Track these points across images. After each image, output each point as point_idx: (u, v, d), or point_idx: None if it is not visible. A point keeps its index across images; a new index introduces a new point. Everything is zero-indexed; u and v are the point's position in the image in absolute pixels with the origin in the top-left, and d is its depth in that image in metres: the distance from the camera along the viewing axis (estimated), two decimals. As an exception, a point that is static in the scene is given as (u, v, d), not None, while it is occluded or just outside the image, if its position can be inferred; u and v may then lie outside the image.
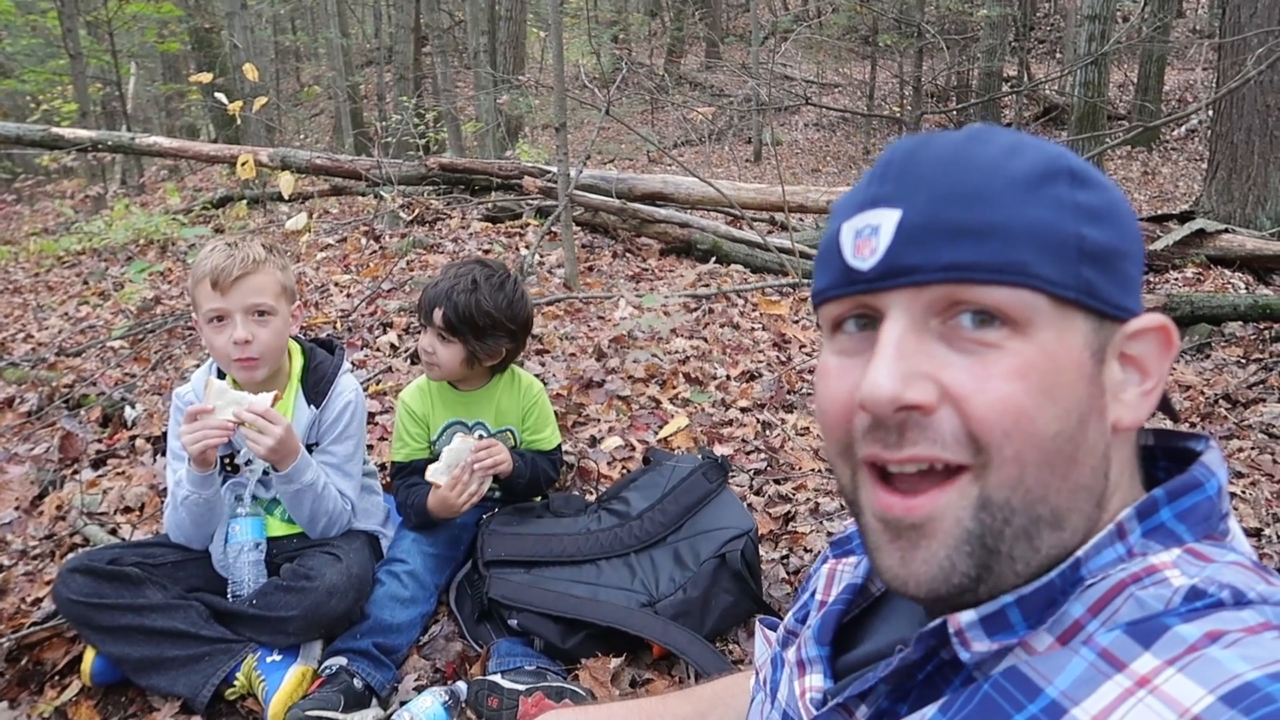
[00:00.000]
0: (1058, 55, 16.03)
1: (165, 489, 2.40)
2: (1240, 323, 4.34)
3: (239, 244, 2.00)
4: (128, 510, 2.72)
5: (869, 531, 0.64)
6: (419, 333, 2.37)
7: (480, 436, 2.33)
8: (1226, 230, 5.63)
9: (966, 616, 0.60)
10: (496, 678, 1.93)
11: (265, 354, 2.00)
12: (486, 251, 5.49)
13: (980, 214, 0.58)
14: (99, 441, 3.15)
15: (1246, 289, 5.17)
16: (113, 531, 2.58)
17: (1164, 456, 0.69)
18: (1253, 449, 3.22)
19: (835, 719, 0.70)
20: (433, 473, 2.13)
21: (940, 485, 0.59)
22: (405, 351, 3.73)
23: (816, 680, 0.76)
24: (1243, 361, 4.01)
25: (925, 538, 0.60)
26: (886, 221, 0.60)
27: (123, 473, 2.92)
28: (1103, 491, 0.62)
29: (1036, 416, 0.57)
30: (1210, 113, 7.78)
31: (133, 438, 3.15)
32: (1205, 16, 14.97)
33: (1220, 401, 3.57)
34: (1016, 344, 0.58)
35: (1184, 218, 5.72)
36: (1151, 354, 0.63)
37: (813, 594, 0.88)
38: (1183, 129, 12.88)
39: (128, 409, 3.33)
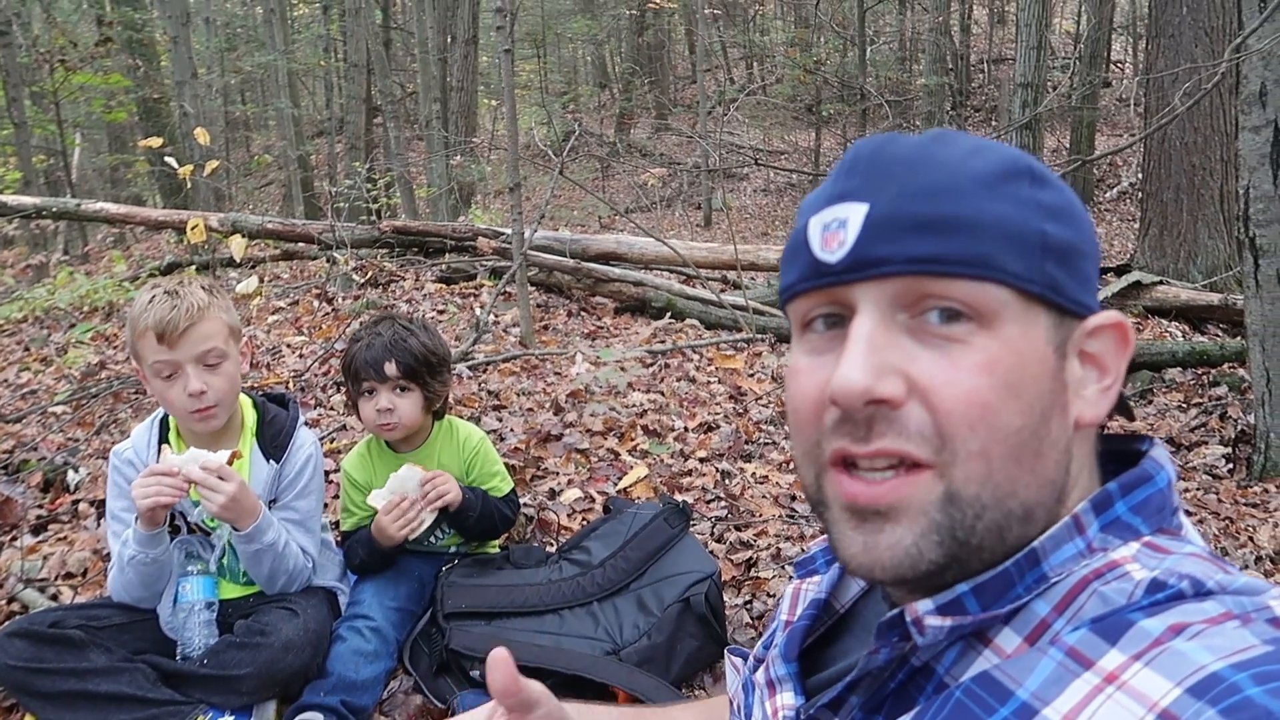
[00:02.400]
0: (993, 122, 16.65)
1: (108, 554, 2.32)
2: (1180, 369, 4.48)
3: (180, 291, 1.91)
4: (69, 576, 2.62)
5: (834, 524, 0.64)
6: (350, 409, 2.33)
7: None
8: (1161, 282, 5.83)
9: (924, 605, 0.61)
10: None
11: (222, 400, 1.95)
12: (441, 312, 5.48)
13: (947, 208, 0.59)
14: (40, 507, 3.04)
15: (1184, 337, 5.34)
16: (53, 597, 2.48)
17: (1111, 460, 0.70)
18: (1198, 489, 3.30)
19: None
20: (373, 497, 2.11)
21: (906, 474, 0.60)
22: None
23: (788, 698, 0.75)
24: (1184, 406, 4.12)
25: (890, 522, 0.60)
26: (854, 215, 0.61)
27: (64, 538, 2.82)
28: (1064, 486, 0.63)
29: (1001, 410, 0.58)
30: (1140, 175, 8.11)
31: (75, 502, 3.05)
32: (1130, 85, 15.70)
33: (1164, 445, 3.66)
34: (983, 339, 0.59)
35: (1120, 271, 5.92)
36: (1109, 351, 0.65)
37: (779, 620, 0.88)
38: (1114, 190, 13.39)
39: (70, 473, 3.23)
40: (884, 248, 0.60)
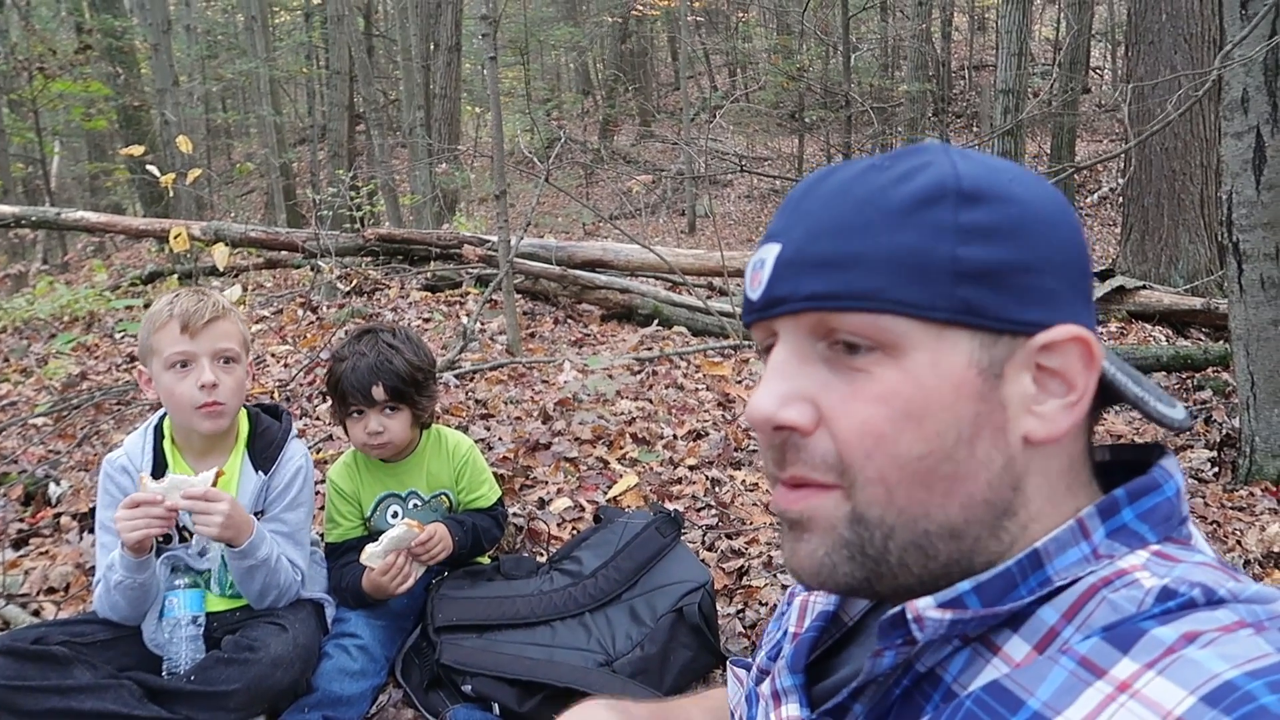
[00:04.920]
0: (975, 128, 16.77)
1: (92, 567, 2.28)
2: (1164, 373, 4.51)
3: (205, 291, 2.00)
4: (51, 591, 2.58)
5: (781, 532, 0.68)
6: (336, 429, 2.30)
7: (415, 505, 2.28)
8: (1144, 287, 5.88)
9: (924, 602, 0.60)
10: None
11: (230, 401, 1.96)
12: (427, 320, 5.46)
13: (844, 245, 0.61)
14: (21, 520, 3.00)
15: (1167, 341, 5.38)
16: (35, 613, 2.44)
17: (1122, 469, 0.69)
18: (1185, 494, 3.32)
19: None
20: (368, 556, 2.05)
21: (815, 489, 0.63)
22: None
23: (793, 710, 0.74)
24: (1169, 410, 4.15)
25: (806, 532, 0.64)
26: (769, 255, 0.65)
27: (46, 552, 2.78)
28: (1010, 502, 0.62)
29: (897, 439, 0.60)
30: (1121, 180, 8.19)
31: (57, 515, 3.01)
32: (1109, 92, 15.86)
33: (1174, 455, 3.68)
34: (884, 369, 0.60)
35: (1103, 276, 5.96)
36: (1073, 366, 0.63)
37: (785, 631, 0.87)
38: (1095, 195, 13.51)
39: (52, 486, 3.18)
40: (786, 287, 0.63)
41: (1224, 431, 3.73)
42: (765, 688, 0.82)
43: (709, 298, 5.85)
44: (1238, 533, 2.99)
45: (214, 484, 1.86)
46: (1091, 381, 0.63)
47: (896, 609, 0.61)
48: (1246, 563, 2.80)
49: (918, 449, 0.59)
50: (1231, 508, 3.21)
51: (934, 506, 0.60)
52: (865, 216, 0.61)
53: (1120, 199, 8.39)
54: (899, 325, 0.59)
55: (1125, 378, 0.66)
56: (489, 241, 6.34)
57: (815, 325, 0.62)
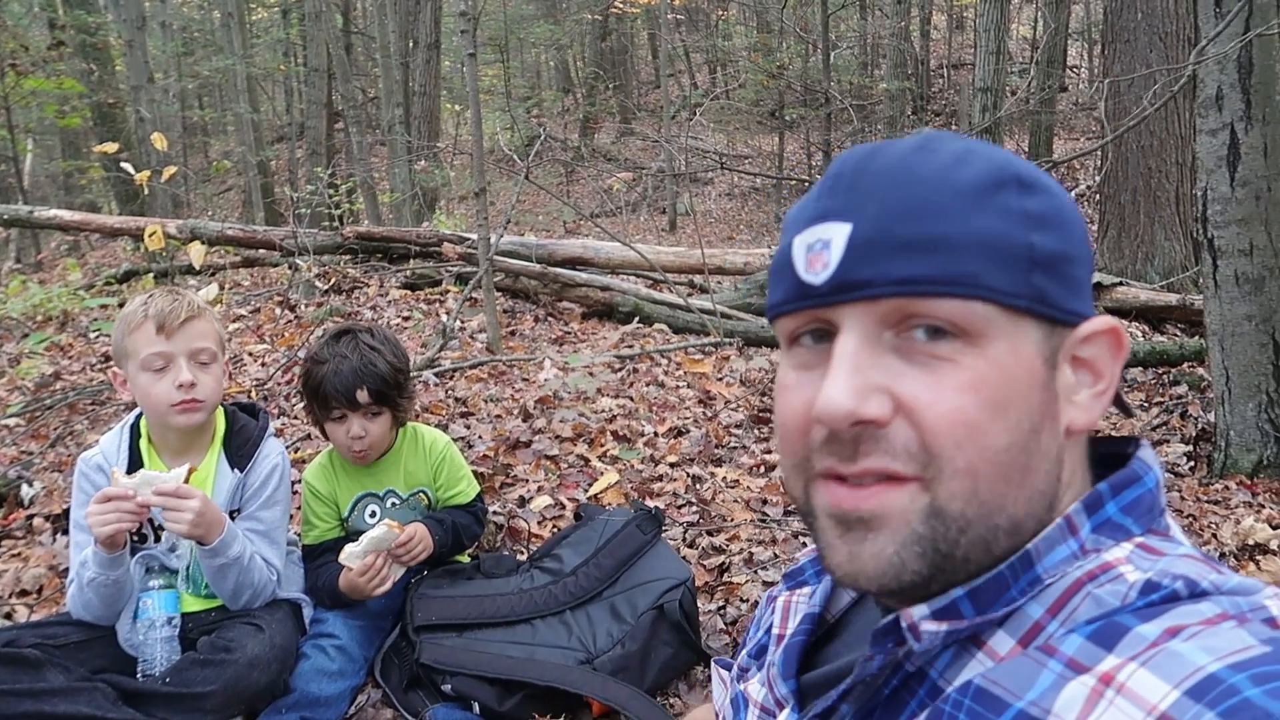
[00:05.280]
0: (954, 126, 16.87)
1: (66, 569, 2.25)
2: (1140, 368, 4.54)
3: (179, 292, 1.99)
4: (24, 593, 2.54)
5: (821, 532, 0.64)
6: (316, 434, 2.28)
7: (393, 504, 2.26)
8: (1121, 283, 5.92)
9: (919, 611, 0.60)
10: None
11: (207, 399, 1.95)
12: (406, 318, 5.42)
13: (930, 227, 0.58)
14: (-8, 522, 2.95)
15: (1144, 337, 5.43)
16: (7, 615, 2.40)
17: (1099, 462, 0.69)
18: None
19: None
20: (347, 556, 2.02)
21: (889, 484, 0.60)
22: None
23: (784, 716, 0.74)
24: (1145, 405, 4.18)
25: (873, 531, 0.60)
26: (837, 236, 0.61)
27: (19, 554, 2.74)
28: (1056, 494, 0.62)
29: (989, 429, 0.58)
30: (1098, 177, 8.25)
31: (30, 517, 2.97)
32: (1087, 90, 15.98)
33: (1150, 446, 3.71)
34: (969, 357, 0.58)
35: (1080, 272, 6.00)
36: (1103, 356, 0.64)
37: (768, 629, 0.87)
38: (1073, 193, 13.61)
39: (24, 487, 3.14)
40: (868, 270, 0.59)
41: (1199, 426, 3.76)
42: (754, 690, 0.81)
43: (690, 295, 5.85)
44: (1213, 526, 3.02)
45: (186, 481, 1.84)
46: (1117, 371, 0.64)
47: (890, 617, 0.61)
48: (1222, 555, 2.83)
49: (1004, 439, 0.58)
50: (1207, 501, 3.24)
51: (1009, 499, 0.59)
52: (942, 197, 0.59)
53: (1097, 196, 8.46)
54: (987, 312, 0.58)
55: None
56: (469, 239, 6.31)
57: (892, 312, 0.59)
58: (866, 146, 0.65)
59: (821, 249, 0.61)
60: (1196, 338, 4.69)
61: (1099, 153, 7.82)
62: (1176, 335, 5.53)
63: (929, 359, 0.59)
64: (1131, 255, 7.11)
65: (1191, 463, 3.58)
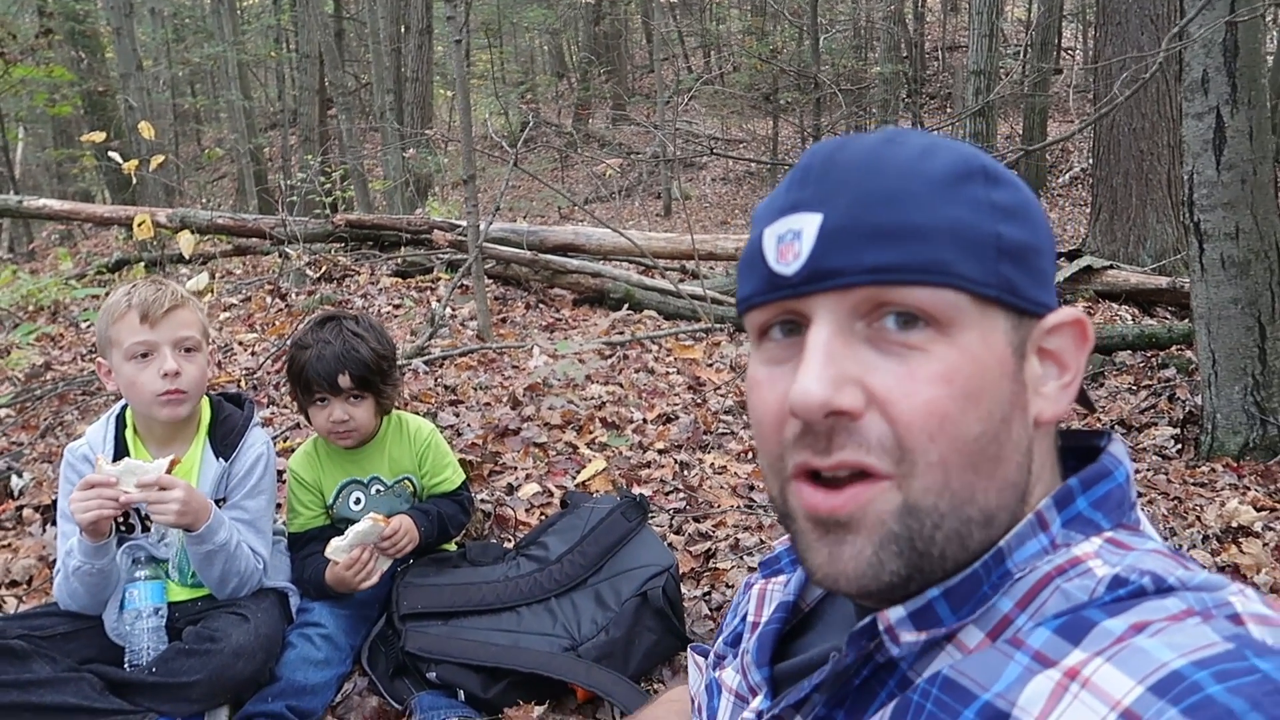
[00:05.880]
0: (948, 110, 16.82)
1: (54, 560, 2.26)
2: (1129, 352, 4.55)
3: (163, 281, 1.99)
4: (14, 584, 2.55)
5: (800, 535, 0.64)
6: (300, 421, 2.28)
7: (378, 492, 2.27)
8: (1111, 267, 5.93)
9: (895, 613, 0.60)
10: (417, 734, 1.86)
11: (192, 389, 1.95)
12: (397, 306, 5.42)
13: (901, 215, 0.58)
14: (-18, 513, 2.96)
15: (1133, 320, 5.44)
16: (-4, 607, 2.41)
17: (1069, 455, 0.70)
18: (1148, 470, 3.36)
19: None
20: (333, 550, 2.03)
21: (863, 483, 0.59)
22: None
23: (758, 702, 0.74)
24: (1134, 388, 4.19)
25: (851, 533, 0.60)
26: (808, 226, 0.60)
27: (8, 545, 2.75)
28: (1026, 486, 0.62)
29: (961, 420, 0.58)
30: (1091, 160, 8.25)
31: (19, 508, 2.97)
32: (1080, 73, 15.94)
33: (1115, 427, 3.72)
34: (941, 346, 0.58)
35: (1071, 256, 6.00)
36: (1069, 348, 0.64)
37: (744, 617, 0.87)
38: (1066, 176, 13.60)
39: (14, 478, 3.15)
40: (839, 259, 0.59)
41: (1187, 409, 3.77)
42: (728, 678, 0.82)
43: (681, 281, 5.85)
44: (1198, 508, 3.03)
45: (168, 472, 1.84)
46: (1083, 363, 0.64)
47: (867, 620, 0.62)
48: (1206, 538, 2.84)
49: (976, 429, 0.58)
50: (1193, 484, 3.25)
51: (979, 490, 0.59)
52: (913, 187, 0.59)
53: (1090, 179, 8.45)
54: (958, 301, 0.58)
55: None
56: (460, 226, 6.30)
57: (863, 301, 0.59)
58: (834, 140, 0.65)
59: (793, 239, 0.61)
60: (1186, 321, 4.70)
61: (1092, 135, 7.81)
62: (1167, 318, 5.54)
63: (901, 349, 0.59)
64: (1123, 238, 7.12)
65: (1179, 445, 3.60)
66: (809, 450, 0.60)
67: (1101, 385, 4.31)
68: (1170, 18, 6.59)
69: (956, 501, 0.59)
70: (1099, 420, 3.72)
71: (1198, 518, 2.95)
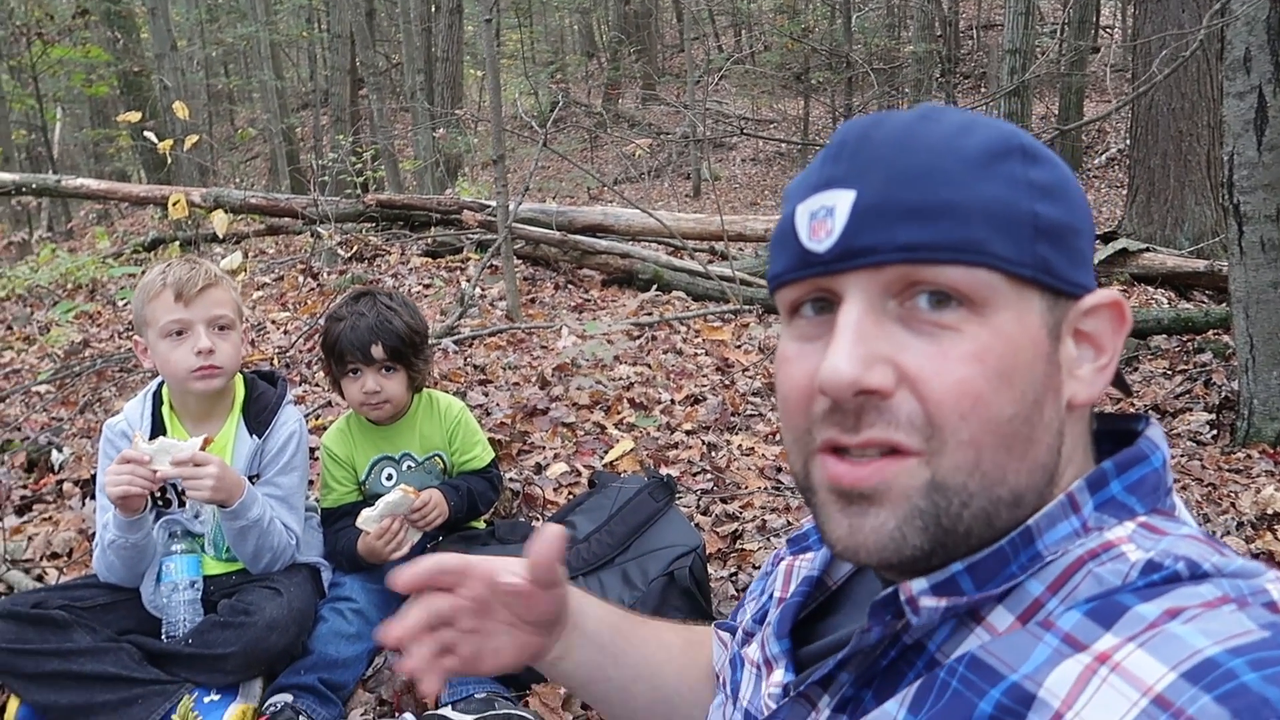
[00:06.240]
0: (982, 89, 16.57)
1: (94, 534, 2.31)
2: (1165, 336, 4.49)
3: (197, 261, 2.02)
4: (55, 556, 2.61)
5: (821, 507, 0.64)
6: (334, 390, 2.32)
7: (409, 467, 2.29)
8: (1148, 249, 5.83)
9: (918, 584, 0.60)
10: (446, 710, 1.89)
11: (225, 365, 1.99)
12: (427, 286, 5.45)
13: (936, 193, 0.58)
14: (24, 487, 3.03)
15: (1169, 304, 5.35)
16: (38, 578, 2.47)
17: (1106, 439, 0.69)
18: (1182, 456, 3.32)
19: (797, 710, 0.69)
20: (364, 520, 2.06)
21: (891, 457, 0.59)
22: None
23: (779, 675, 0.74)
24: (1169, 373, 4.14)
25: (874, 505, 0.60)
26: (841, 203, 0.60)
27: (49, 518, 2.81)
28: (1056, 467, 0.62)
29: (993, 400, 0.57)
30: (1128, 141, 8.11)
31: (60, 482, 3.04)
32: (1119, 52, 15.63)
33: (1150, 412, 3.67)
34: (974, 326, 0.58)
35: (1107, 238, 5.91)
36: (1105, 330, 0.64)
37: (770, 595, 0.87)
38: (1103, 157, 13.37)
39: (55, 453, 3.22)
40: (872, 236, 0.58)
41: (1223, 394, 3.71)
42: (752, 653, 0.82)
43: (710, 262, 5.83)
44: (1233, 495, 3.00)
45: (202, 449, 1.88)
46: (1119, 345, 0.64)
47: (889, 590, 0.61)
48: (1240, 524, 2.81)
49: (1009, 410, 0.58)
50: (1228, 470, 3.21)
51: (1010, 471, 0.59)
52: (948, 164, 0.58)
53: (1127, 160, 8.31)
54: (992, 280, 0.58)
55: None
56: (489, 206, 6.31)
57: (896, 280, 0.59)
58: (869, 117, 0.64)
59: (825, 216, 0.60)
60: (1223, 305, 4.62)
61: (1129, 116, 7.66)
62: (1204, 302, 5.45)
63: (933, 328, 0.58)
64: (1160, 220, 7.00)
65: (1214, 431, 3.55)
66: (837, 428, 0.60)
67: (1136, 369, 4.25)
68: (1213, -6, 6.44)
69: (987, 482, 0.58)
70: (1134, 405, 3.68)
71: (1232, 504, 2.91)
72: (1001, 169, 0.59)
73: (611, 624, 0.92)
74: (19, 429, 3.48)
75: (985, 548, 0.60)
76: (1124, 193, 8.07)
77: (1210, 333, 4.43)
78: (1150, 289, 5.61)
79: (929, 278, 0.58)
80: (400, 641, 0.79)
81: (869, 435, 0.59)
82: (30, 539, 2.65)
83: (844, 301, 0.60)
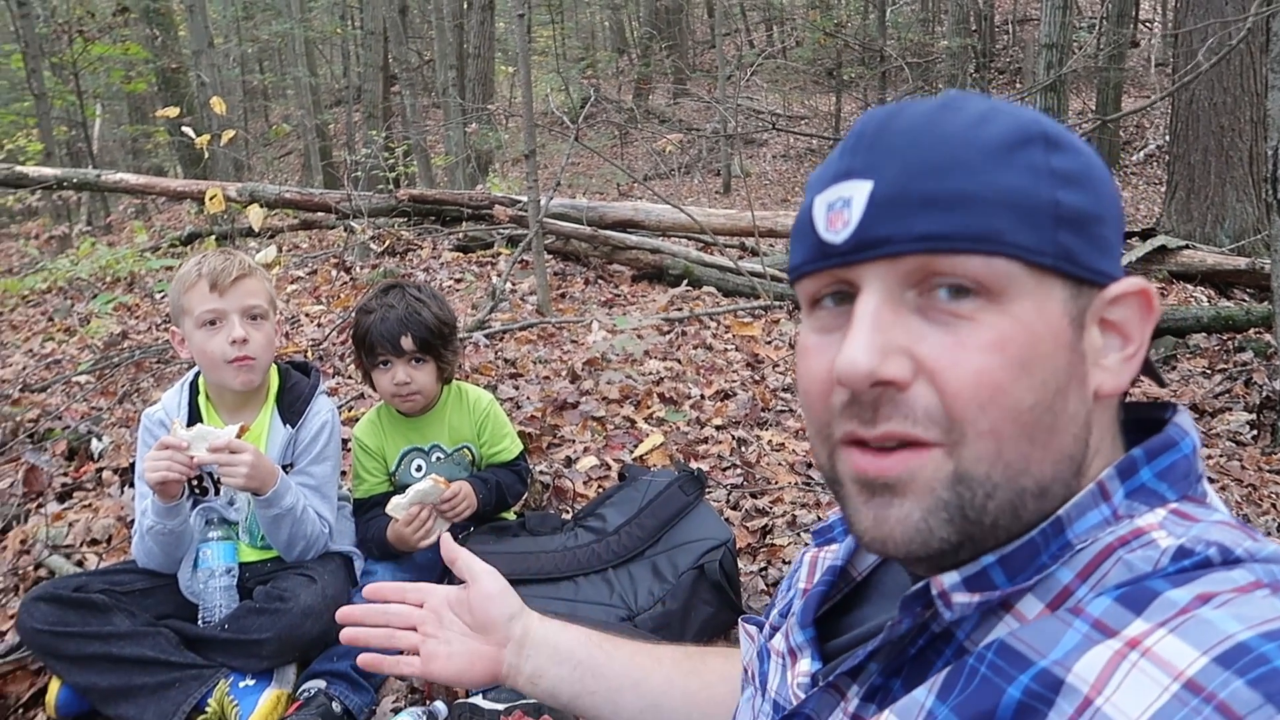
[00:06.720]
0: (1017, 85, 16.36)
1: (133, 520, 2.35)
2: (1204, 334, 4.41)
3: (232, 252, 2.06)
4: (94, 542, 2.66)
5: (847, 500, 0.64)
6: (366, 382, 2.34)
7: (438, 459, 2.31)
8: (1187, 246, 5.74)
9: (950, 578, 0.60)
10: (477, 699, 1.90)
11: (260, 356, 2.02)
12: (458, 280, 5.49)
13: (953, 183, 0.57)
14: (65, 475, 3.09)
15: (1209, 302, 5.27)
16: (79, 564, 2.52)
17: (1135, 428, 0.68)
18: (1221, 456, 3.27)
19: (826, 699, 0.69)
20: (393, 506, 2.10)
21: (912, 450, 0.59)
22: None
23: (805, 664, 0.74)
24: (1208, 372, 4.07)
25: (898, 496, 0.59)
26: (858, 193, 0.60)
27: (89, 505, 2.86)
28: (1084, 458, 0.61)
29: (1012, 390, 0.57)
30: (1167, 137, 7.98)
31: (99, 470, 3.10)
32: (1159, 45, 15.38)
33: (1189, 411, 3.62)
34: (992, 315, 0.57)
35: (1145, 235, 5.83)
36: (1133, 319, 0.63)
37: (796, 589, 0.87)
38: (1141, 153, 13.16)
39: (94, 441, 3.27)
40: (889, 227, 0.58)
41: (1264, 394, 3.65)
42: (778, 643, 0.82)
43: (740, 258, 5.81)
44: (1274, 496, 2.95)
45: (238, 437, 1.91)
46: (1147, 334, 0.63)
47: (920, 584, 0.61)
48: (1281, 526, 2.76)
49: (1029, 399, 0.57)
50: (1269, 471, 3.15)
51: (1034, 461, 0.58)
52: (965, 154, 0.58)
53: (1166, 156, 8.18)
54: (1011, 269, 0.57)
55: None
56: (520, 201, 6.34)
57: (915, 270, 0.58)
58: (890, 106, 0.64)
59: (842, 207, 0.60)
60: (1265, 303, 4.54)
61: (1169, 111, 7.54)
62: (1244, 300, 5.36)
63: (951, 318, 0.58)
64: (1200, 217, 6.88)
65: (1255, 431, 3.49)
66: (855, 420, 0.60)
67: (1174, 368, 4.19)
68: (1257, -13, 6.32)
69: (1011, 472, 0.58)
70: (1172, 397, 3.62)
71: (1273, 505, 2.87)
72: (1021, 157, 0.59)
73: (587, 641, 0.99)
74: (60, 418, 3.55)
75: (1014, 539, 0.59)
76: (1163, 189, 7.95)
77: (1251, 331, 4.35)
78: (1189, 286, 5.52)
79: (946, 268, 0.58)
80: (349, 619, 1.01)
81: (886, 428, 0.59)
82: (71, 525, 2.69)
83: (861, 292, 0.60)
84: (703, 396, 3.57)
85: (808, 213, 0.64)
